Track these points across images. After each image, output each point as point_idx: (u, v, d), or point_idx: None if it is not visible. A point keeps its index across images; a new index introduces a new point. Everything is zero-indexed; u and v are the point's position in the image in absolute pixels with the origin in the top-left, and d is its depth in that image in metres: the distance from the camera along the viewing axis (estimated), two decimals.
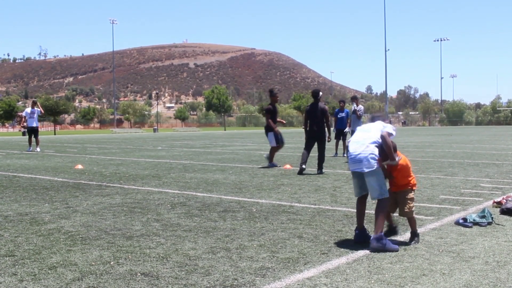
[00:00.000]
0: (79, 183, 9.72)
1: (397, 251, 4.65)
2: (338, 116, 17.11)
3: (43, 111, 22.11)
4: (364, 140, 4.97)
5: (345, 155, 16.40)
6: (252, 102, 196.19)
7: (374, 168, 4.86)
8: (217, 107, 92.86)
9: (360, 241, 4.92)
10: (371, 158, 4.86)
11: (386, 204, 4.93)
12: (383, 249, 4.65)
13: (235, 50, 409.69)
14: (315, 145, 11.53)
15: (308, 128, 11.51)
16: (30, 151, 19.81)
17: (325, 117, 11.38)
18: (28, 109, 20.54)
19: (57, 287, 3.73)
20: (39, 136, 20.93)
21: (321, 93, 11.55)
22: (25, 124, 20.61)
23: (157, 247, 4.83)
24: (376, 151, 4.89)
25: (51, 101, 64.44)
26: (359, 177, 5.04)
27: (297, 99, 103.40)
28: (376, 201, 4.98)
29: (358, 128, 5.25)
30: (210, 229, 5.60)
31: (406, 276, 3.96)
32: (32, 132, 20.24)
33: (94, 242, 5.04)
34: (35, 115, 20.23)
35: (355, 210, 5.21)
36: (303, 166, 11.06)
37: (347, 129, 16.70)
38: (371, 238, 4.78)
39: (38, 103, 21.78)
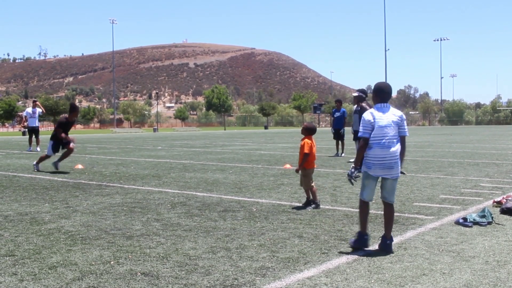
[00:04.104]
0: (79, 183, 9.71)
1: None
2: (335, 115, 16.94)
3: (44, 111, 22.12)
4: None
5: (343, 154, 16.16)
6: (252, 102, 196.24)
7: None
8: (217, 107, 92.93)
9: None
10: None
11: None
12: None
13: (235, 50, 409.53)
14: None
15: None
16: (30, 150, 19.80)
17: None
18: (29, 109, 20.56)
19: (57, 286, 3.73)
20: (39, 136, 20.93)
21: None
22: (26, 124, 20.63)
23: (157, 246, 4.83)
24: None
25: (51, 101, 64.64)
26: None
27: (297, 98, 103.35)
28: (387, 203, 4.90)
29: None
30: (210, 228, 5.60)
31: (406, 275, 3.96)
32: (33, 131, 20.24)
33: (94, 241, 5.04)
34: (36, 115, 20.24)
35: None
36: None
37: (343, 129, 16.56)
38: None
39: (39, 103, 21.76)
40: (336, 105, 17.20)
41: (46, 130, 76.99)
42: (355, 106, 15.59)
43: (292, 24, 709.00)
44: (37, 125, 20.34)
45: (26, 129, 21.33)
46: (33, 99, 24.91)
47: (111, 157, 16.82)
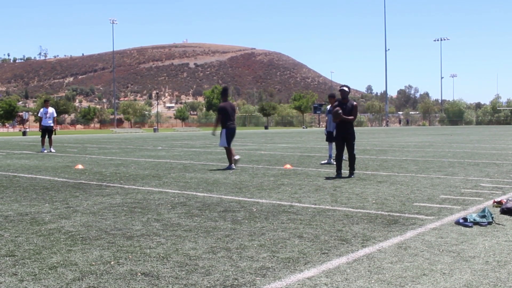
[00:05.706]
0: (79, 183, 9.72)
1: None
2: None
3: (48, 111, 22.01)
4: None
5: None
6: (252, 102, 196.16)
7: None
8: (217, 107, 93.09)
9: None
10: None
11: None
12: None
13: (235, 50, 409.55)
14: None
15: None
16: (45, 151, 19.71)
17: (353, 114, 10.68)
18: (42, 110, 20.48)
19: (57, 287, 3.73)
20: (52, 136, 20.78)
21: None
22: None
23: (157, 247, 4.83)
24: None
25: (51, 101, 64.54)
26: None
27: (298, 99, 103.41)
28: None
29: None
30: (211, 229, 5.60)
31: (406, 275, 3.96)
32: (46, 131, 20.12)
33: (94, 242, 5.04)
34: (49, 115, 20.14)
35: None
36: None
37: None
38: None
39: (49, 102, 21.61)
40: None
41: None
42: (329, 106, 13.42)
43: (292, 24, 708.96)
44: (50, 124, 20.11)
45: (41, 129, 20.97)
46: (45, 99, 24.76)
47: (111, 157, 16.82)
